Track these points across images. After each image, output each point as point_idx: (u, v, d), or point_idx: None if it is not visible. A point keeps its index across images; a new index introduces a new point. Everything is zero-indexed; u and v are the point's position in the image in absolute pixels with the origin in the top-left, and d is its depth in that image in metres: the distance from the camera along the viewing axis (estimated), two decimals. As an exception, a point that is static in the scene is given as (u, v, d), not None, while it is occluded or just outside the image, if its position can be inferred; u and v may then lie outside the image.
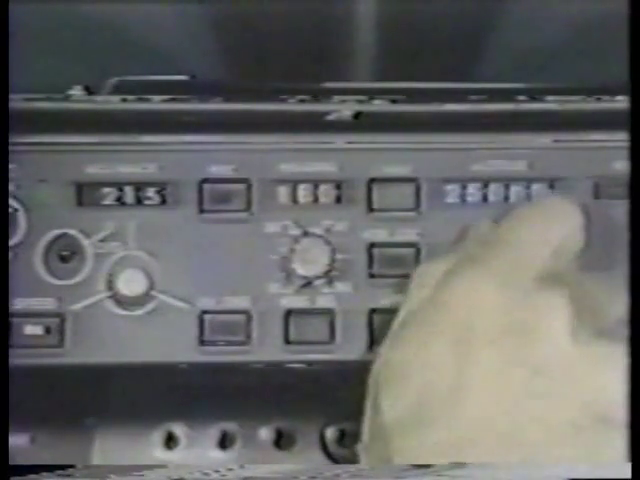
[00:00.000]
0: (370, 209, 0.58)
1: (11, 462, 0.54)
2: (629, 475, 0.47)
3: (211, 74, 0.66)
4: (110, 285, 0.57)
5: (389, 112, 0.59)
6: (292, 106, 0.59)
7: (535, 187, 0.58)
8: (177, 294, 0.57)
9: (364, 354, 0.57)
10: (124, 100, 0.59)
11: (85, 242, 0.58)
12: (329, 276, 0.57)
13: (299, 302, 0.58)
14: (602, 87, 0.60)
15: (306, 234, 0.58)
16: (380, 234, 0.58)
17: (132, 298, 0.57)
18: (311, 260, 0.57)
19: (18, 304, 0.57)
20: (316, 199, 0.58)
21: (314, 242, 0.57)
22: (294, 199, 0.58)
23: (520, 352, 0.46)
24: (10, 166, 0.57)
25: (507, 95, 0.59)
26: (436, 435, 0.45)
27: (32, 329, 0.57)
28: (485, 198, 0.58)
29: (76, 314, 0.57)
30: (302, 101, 0.59)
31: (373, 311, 0.58)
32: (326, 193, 0.58)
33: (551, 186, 0.58)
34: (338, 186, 0.58)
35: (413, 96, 0.59)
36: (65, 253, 0.58)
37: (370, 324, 0.58)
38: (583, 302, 0.47)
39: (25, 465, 0.61)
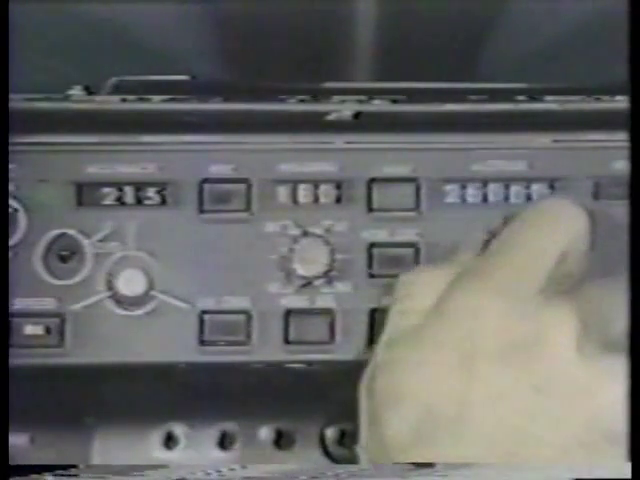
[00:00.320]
0: (370, 209, 0.58)
1: (11, 462, 0.54)
2: (629, 475, 0.47)
3: (211, 74, 0.66)
4: (110, 285, 0.57)
5: (389, 112, 0.59)
6: (292, 106, 0.59)
7: (535, 187, 0.58)
8: (177, 294, 0.57)
9: (364, 354, 0.57)
10: (124, 100, 0.59)
11: (85, 242, 0.58)
12: (329, 276, 0.57)
13: (299, 302, 0.58)
14: (602, 87, 0.60)
15: (306, 234, 0.58)
16: (380, 234, 0.58)
17: (132, 298, 0.57)
18: (311, 260, 0.57)
19: (18, 304, 0.57)
20: (316, 199, 0.58)
21: (314, 242, 0.57)
22: (294, 199, 0.58)
23: (525, 368, 0.45)
24: (10, 166, 0.57)
25: (507, 95, 0.59)
26: (439, 453, 0.45)
27: (32, 329, 0.57)
28: (485, 198, 0.58)
29: (76, 314, 0.57)
30: (302, 101, 0.59)
31: (373, 311, 0.58)
32: (326, 193, 0.58)
33: (551, 186, 0.58)
34: (338, 186, 0.58)
35: (413, 96, 0.59)
36: (65, 253, 0.58)
37: (370, 324, 0.58)
38: (589, 311, 0.46)
39: (25, 465, 0.61)
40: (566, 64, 0.64)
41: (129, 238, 0.58)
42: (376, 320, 0.58)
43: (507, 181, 0.58)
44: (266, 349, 0.57)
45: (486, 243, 0.53)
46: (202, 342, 0.58)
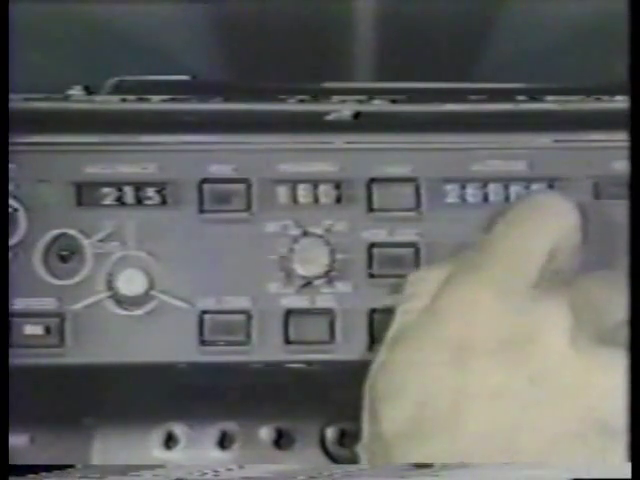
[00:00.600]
0: (370, 209, 0.58)
1: (11, 462, 0.54)
2: (629, 475, 0.47)
3: (211, 74, 0.66)
4: (110, 285, 0.57)
5: (389, 112, 0.59)
6: (292, 106, 0.59)
7: (535, 187, 0.58)
8: (177, 294, 0.57)
9: (364, 354, 0.57)
10: (124, 100, 0.59)
11: (85, 242, 0.58)
12: (329, 276, 0.57)
13: (299, 302, 0.58)
14: (602, 87, 0.60)
15: (306, 234, 0.58)
16: (380, 234, 0.58)
17: (132, 298, 0.57)
18: (311, 260, 0.57)
19: (18, 304, 0.57)
20: (316, 199, 0.58)
21: (314, 242, 0.57)
22: (294, 199, 0.58)
23: (519, 362, 0.45)
24: (10, 166, 0.57)
25: (507, 95, 0.59)
26: (436, 448, 0.45)
27: (32, 329, 0.57)
28: (485, 198, 0.58)
29: (76, 314, 0.57)
30: (302, 101, 0.59)
31: (373, 311, 0.58)
32: (326, 193, 0.58)
33: (551, 186, 0.58)
34: (338, 186, 0.58)
35: (413, 96, 0.59)
36: (65, 253, 0.58)
37: (370, 324, 0.58)
38: (583, 304, 0.47)
39: (25, 465, 0.61)
40: (566, 64, 0.64)
41: (129, 238, 0.58)
42: (376, 320, 0.57)
43: (507, 181, 0.58)
44: (266, 349, 0.57)
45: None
46: (202, 342, 0.58)
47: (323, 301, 0.58)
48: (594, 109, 0.59)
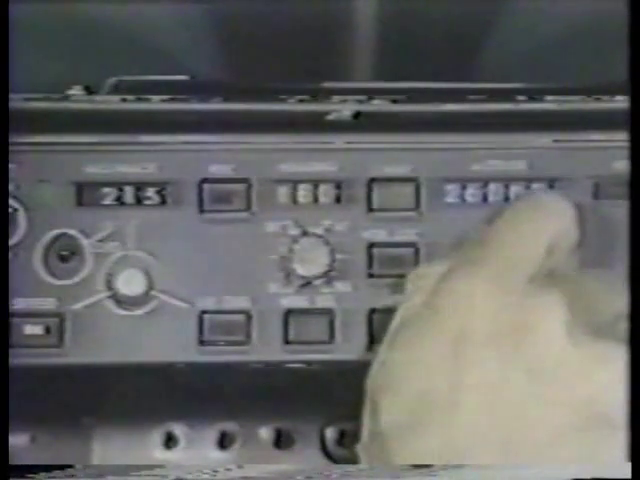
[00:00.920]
0: (370, 209, 0.58)
1: (11, 462, 0.54)
2: (629, 475, 0.47)
3: (211, 74, 0.66)
4: (110, 285, 0.57)
5: (389, 112, 0.59)
6: (292, 106, 0.59)
7: (535, 187, 0.58)
8: (177, 294, 0.57)
9: (363, 354, 0.57)
10: (124, 100, 0.59)
11: (85, 242, 0.58)
12: (329, 276, 0.57)
13: (299, 302, 0.58)
14: (602, 87, 0.60)
15: (306, 234, 0.58)
16: (380, 234, 0.58)
17: (132, 298, 0.57)
18: (311, 260, 0.57)
19: (18, 304, 0.57)
20: (316, 199, 0.58)
21: (314, 242, 0.57)
22: (294, 199, 0.58)
23: (516, 355, 0.45)
24: (10, 166, 0.57)
25: (507, 95, 0.59)
26: (434, 440, 0.45)
27: (32, 329, 0.57)
28: (485, 198, 0.58)
29: (76, 314, 0.57)
30: (302, 101, 0.59)
31: (373, 311, 0.58)
32: (326, 193, 0.58)
33: (551, 186, 0.58)
34: (338, 186, 0.58)
35: (413, 96, 0.59)
36: (65, 253, 0.58)
37: (370, 324, 0.58)
38: (579, 300, 0.47)
39: (25, 465, 0.61)
40: (566, 64, 0.64)
41: (129, 238, 0.58)
42: (376, 320, 0.57)
43: (507, 181, 0.58)
44: (266, 349, 0.57)
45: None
46: (202, 342, 0.58)
47: (323, 301, 0.58)
48: (594, 109, 0.59)
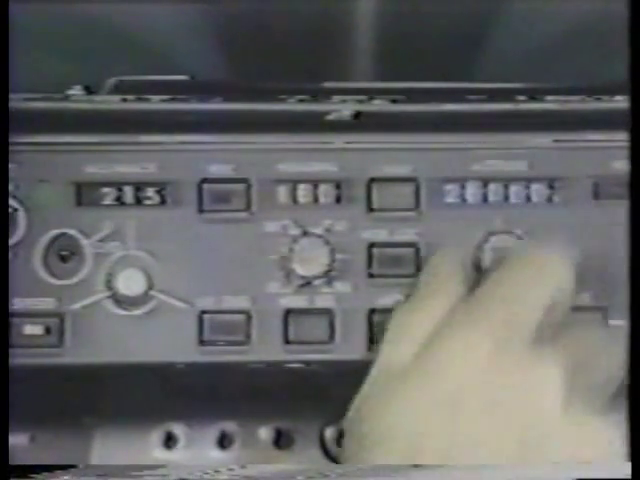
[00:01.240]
0: (370, 209, 0.58)
1: (11, 462, 0.54)
2: (629, 475, 0.47)
3: (211, 74, 0.66)
4: (109, 285, 0.57)
5: (389, 112, 0.59)
6: (292, 106, 0.59)
7: (535, 187, 0.58)
8: (176, 294, 0.57)
9: (363, 354, 0.57)
10: (124, 100, 0.59)
11: (84, 242, 0.58)
12: (328, 276, 0.57)
13: (298, 302, 0.58)
14: (602, 87, 0.60)
15: (306, 234, 0.58)
16: (380, 234, 0.58)
17: (131, 298, 0.57)
18: (310, 260, 0.57)
19: (17, 304, 0.57)
20: (316, 199, 0.58)
21: (314, 242, 0.57)
22: (294, 199, 0.58)
23: (510, 422, 0.45)
24: (10, 166, 0.57)
25: (507, 95, 0.59)
26: None
27: (31, 329, 0.57)
28: (485, 198, 0.58)
29: (75, 314, 0.57)
30: (302, 101, 0.59)
31: (372, 311, 0.58)
32: (326, 193, 0.58)
33: (551, 186, 0.58)
34: (338, 186, 0.58)
35: (413, 96, 0.59)
36: (64, 253, 0.58)
37: (369, 324, 0.57)
38: (577, 361, 0.47)
39: (25, 465, 0.61)
40: (566, 64, 0.64)
41: (129, 238, 0.58)
42: (375, 320, 0.57)
43: (507, 181, 0.58)
44: (265, 349, 0.57)
45: (476, 280, 0.53)
46: (201, 342, 0.57)
47: (322, 301, 0.58)
48: (594, 109, 0.59)
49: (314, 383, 0.59)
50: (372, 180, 0.58)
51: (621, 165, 0.57)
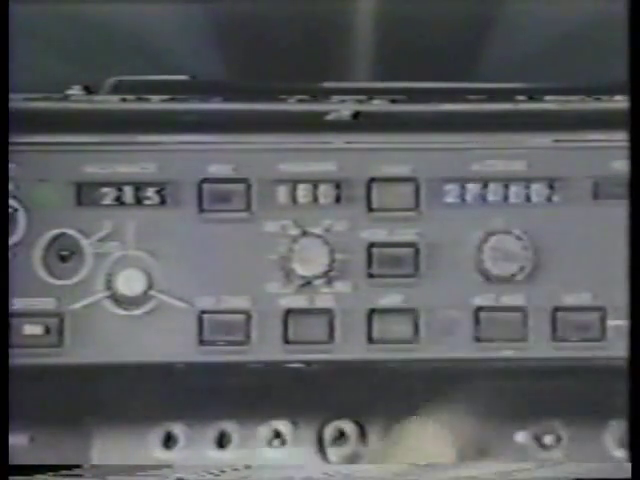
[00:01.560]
0: (369, 209, 0.58)
1: (10, 462, 0.54)
2: (629, 475, 0.47)
3: (211, 74, 0.66)
4: (109, 285, 0.57)
5: (388, 112, 0.59)
6: (291, 106, 0.59)
7: (534, 187, 0.58)
8: (176, 294, 0.57)
9: (363, 354, 0.57)
10: (123, 100, 0.59)
11: (84, 242, 0.58)
12: (328, 276, 0.57)
13: (298, 302, 0.58)
14: (601, 87, 0.60)
15: (305, 234, 0.58)
16: (379, 234, 0.58)
17: (131, 298, 0.57)
18: (310, 260, 0.57)
19: (17, 304, 0.57)
20: (315, 199, 0.58)
21: (313, 242, 0.57)
22: (293, 199, 0.58)
23: None
24: (10, 166, 0.57)
25: (507, 95, 0.59)
26: None
27: (31, 329, 0.57)
28: (484, 198, 0.58)
29: (75, 314, 0.57)
30: (301, 101, 0.59)
31: (372, 311, 0.58)
32: (325, 193, 0.58)
33: (550, 186, 0.58)
34: (337, 186, 0.58)
35: (412, 96, 0.59)
36: (64, 253, 0.58)
37: (369, 324, 0.58)
38: None
39: (25, 465, 0.61)
40: (566, 64, 0.64)
41: (128, 238, 0.58)
42: (375, 320, 0.57)
43: (507, 181, 0.58)
44: (265, 349, 0.57)
45: None
46: (201, 342, 0.58)
47: (322, 301, 0.58)
48: (594, 109, 0.59)
49: (313, 382, 0.59)
50: (372, 180, 0.58)
51: (620, 165, 0.57)
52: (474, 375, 0.59)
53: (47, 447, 0.62)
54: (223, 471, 0.63)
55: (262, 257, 0.58)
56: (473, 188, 0.58)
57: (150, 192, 0.58)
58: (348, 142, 0.58)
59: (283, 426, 0.62)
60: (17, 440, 0.61)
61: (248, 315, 0.58)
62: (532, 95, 0.60)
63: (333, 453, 0.62)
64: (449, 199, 0.58)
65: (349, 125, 0.58)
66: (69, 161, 0.58)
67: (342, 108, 0.58)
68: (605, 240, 0.57)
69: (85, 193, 0.58)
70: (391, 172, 0.58)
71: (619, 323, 0.57)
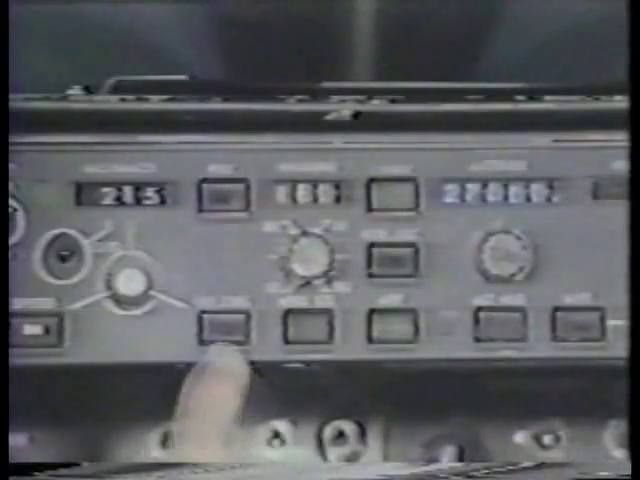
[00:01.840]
0: (369, 209, 0.58)
1: (10, 461, 0.54)
2: (629, 475, 0.47)
3: (211, 74, 0.66)
4: (109, 285, 0.57)
5: (388, 112, 0.59)
6: (291, 106, 0.59)
7: (534, 187, 0.58)
8: (176, 294, 0.57)
9: (363, 354, 0.57)
10: (123, 100, 0.59)
11: (84, 242, 0.58)
12: (328, 276, 0.57)
13: (298, 302, 0.57)
14: (601, 87, 0.60)
15: (305, 234, 0.57)
16: (379, 234, 0.58)
17: (131, 298, 0.57)
18: (310, 260, 0.57)
19: (17, 304, 0.57)
20: (315, 199, 0.58)
21: (313, 242, 0.57)
22: (293, 199, 0.58)
23: None
24: (10, 166, 0.57)
25: (506, 95, 0.59)
26: None
27: (31, 329, 0.57)
28: (484, 198, 0.58)
29: (75, 314, 0.57)
30: (301, 101, 0.59)
31: (372, 311, 0.58)
32: (325, 193, 0.58)
33: (550, 186, 0.58)
34: (337, 186, 0.58)
35: (412, 96, 0.59)
36: (64, 253, 0.58)
37: (369, 324, 0.57)
38: None
39: (25, 464, 0.61)
40: (566, 64, 0.64)
41: (128, 238, 0.58)
42: (375, 320, 0.57)
43: (506, 181, 0.58)
44: (265, 349, 0.57)
45: None
46: (201, 342, 0.57)
47: (322, 301, 0.58)
48: (594, 109, 0.59)
49: (313, 383, 0.59)
50: (371, 180, 0.58)
51: (620, 165, 0.57)
52: (474, 375, 0.59)
53: (46, 447, 0.62)
54: (222, 470, 0.63)
55: (262, 257, 0.58)
56: (473, 188, 0.58)
57: (150, 192, 0.58)
58: (348, 142, 0.58)
59: (283, 426, 0.62)
60: (16, 440, 0.61)
61: (248, 315, 0.58)
62: (532, 95, 0.60)
63: (333, 453, 0.62)
64: (449, 199, 0.58)
65: (349, 125, 0.58)
66: (69, 161, 0.58)
67: (342, 108, 0.58)
68: (605, 240, 0.57)
69: (85, 193, 0.58)
70: (391, 172, 0.58)
71: (619, 323, 0.57)
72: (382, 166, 0.58)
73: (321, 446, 0.62)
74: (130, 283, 0.57)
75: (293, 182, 0.58)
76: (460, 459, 0.61)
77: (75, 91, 0.61)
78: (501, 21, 0.63)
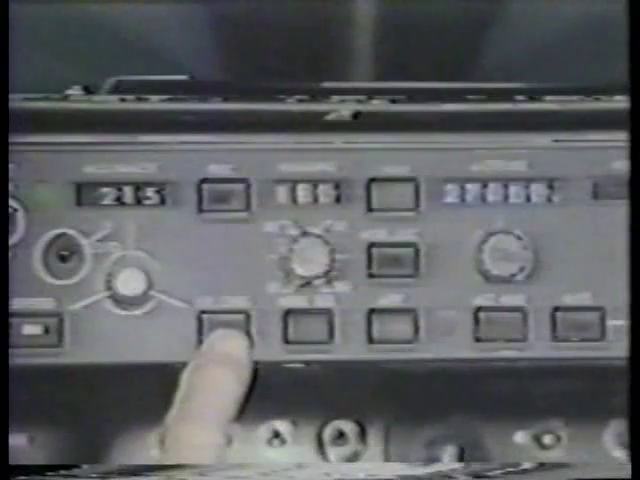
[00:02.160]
0: (369, 209, 0.58)
1: (10, 462, 0.54)
2: (629, 475, 0.47)
3: (211, 74, 0.66)
4: (109, 285, 0.57)
5: (388, 112, 0.59)
6: (291, 106, 0.59)
7: (534, 187, 0.58)
8: (176, 294, 0.57)
9: (363, 354, 0.57)
10: (123, 100, 0.59)
11: (84, 242, 0.58)
12: (328, 276, 0.57)
13: (298, 302, 0.57)
14: (601, 87, 0.60)
15: (305, 234, 0.57)
16: (379, 234, 0.58)
17: (131, 298, 0.57)
18: (310, 260, 0.57)
19: (17, 304, 0.57)
20: (315, 199, 0.58)
21: (313, 242, 0.57)
22: (293, 199, 0.58)
23: None
24: (9, 166, 0.57)
25: (506, 95, 0.59)
26: None
27: (31, 329, 0.57)
28: (484, 198, 0.58)
29: (75, 314, 0.57)
30: (301, 101, 0.59)
31: (372, 311, 0.58)
32: (325, 193, 0.58)
33: (550, 186, 0.58)
34: (337, 186, 0.58)
35: (412, 96, 0.59)
36: (64, 253, 0.58)
37: (369, 324, 0.57)
38: None
39: (25, 465, 0.61)
40: (566, 64, 0.64)
41: (128, 238, 0.58)
42: (375, 320, 0.57)
43: (506, 181, 0.58)
44: (265, 349, 0.57)
45: None
46: (201, 342, 0.57)
47: (322, 301, 0.58)
48: (593, 109, 0.59)
49: (313, 383, 0.59)
50: (371, 180, 0.58)
51: (620, 165, 0.57)
52: (474, 375, 0.59)
53: (46, 447, 0.62)
54: (222, 470, 0.63)
55: (262, 257, 0.58)
56: (473, 188, 0.58)
57: (150, 192, 0.58)
58: (348, 142, 0.58)
59: (283, 426, 0.62)
60: (15, 440, 0.61)
61: (248, 315, 0.58)
62: (532, 95, 0.60)
63: (333, 453, 0.62)
64: (449, 199, 0.58)
65: (349, 125, 0.58)
66: (69, 161, 0.58)
67: (342, 108, 0.58)
68: (605, 240, 0.57)
69: (85, 193, 0.58)
70: (391, 172, 0.58)
71: (619, 323, 0.57)
72: (382, 166, 0.58)
73: (321, 446, 0.62)
74: (130, 283, 0.57)
75: (293, 182, 0.58)
76: (460, 459, 0.61)
77: (75, 91, 0.61)
78: (501, 21, 0.63)
